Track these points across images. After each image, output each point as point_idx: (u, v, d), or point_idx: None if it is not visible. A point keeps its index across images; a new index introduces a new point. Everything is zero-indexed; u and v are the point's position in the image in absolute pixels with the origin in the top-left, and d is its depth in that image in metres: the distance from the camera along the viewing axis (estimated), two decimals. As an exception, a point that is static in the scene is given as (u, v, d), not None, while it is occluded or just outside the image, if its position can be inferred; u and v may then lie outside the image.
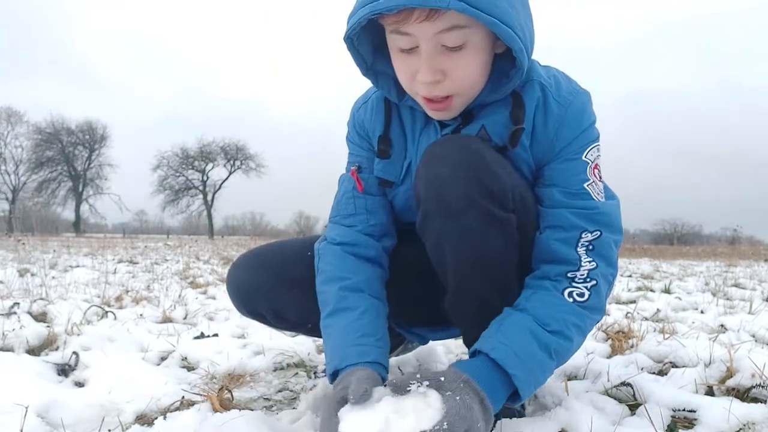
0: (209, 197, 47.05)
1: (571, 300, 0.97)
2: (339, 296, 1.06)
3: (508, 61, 1.00)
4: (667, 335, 1.94)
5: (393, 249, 1.19)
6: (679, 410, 1.16)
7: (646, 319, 2.54)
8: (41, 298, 2.67)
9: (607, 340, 1.93)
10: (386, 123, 1.15)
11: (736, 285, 4.39)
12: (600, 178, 1.05)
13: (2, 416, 1.09)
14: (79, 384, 1.41)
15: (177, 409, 1.18)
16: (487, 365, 0.89)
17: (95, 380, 1.38)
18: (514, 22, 0.89)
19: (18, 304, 2.42)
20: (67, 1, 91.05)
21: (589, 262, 0.99)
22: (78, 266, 5.44)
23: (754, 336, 2.06)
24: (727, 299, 3.44)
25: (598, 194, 1.03)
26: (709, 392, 1.30)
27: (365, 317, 1.03)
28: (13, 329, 1.84)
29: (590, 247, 1.00)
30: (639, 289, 4.16)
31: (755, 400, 1.23)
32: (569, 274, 0.99)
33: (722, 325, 2.29)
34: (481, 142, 1.00)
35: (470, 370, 0.88)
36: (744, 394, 1.26)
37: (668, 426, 1.11)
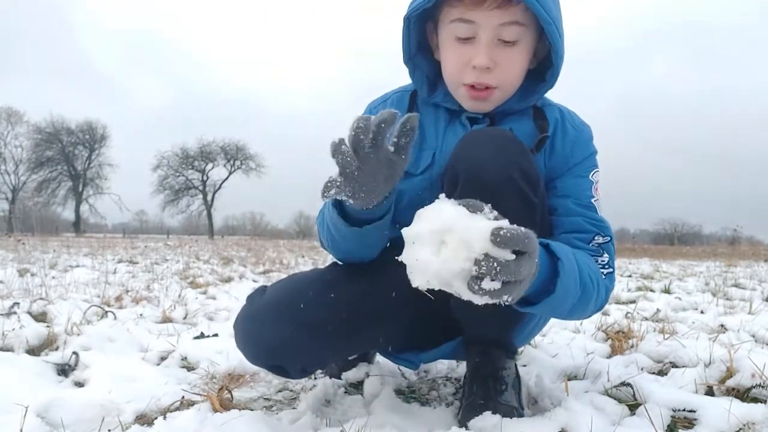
0: (209, 197, 47.05)
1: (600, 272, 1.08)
2: None
3: (534, 79, 1.14)
4: (667, 335, 1.94)
5: (383, 280, 1.12)
6: (679, 410, 1.16)
7: (646, 319, 2.54)
8: (41, 298, 2.67)
9: (607, 340, 1.93)
10: None
11: (736, 285, 4.39)
12: (600, 199, 1.18)
13: (2, 416, 1.09)
14: (79, 384, 1.41)
15: (177, 409, 1.18)
16: (542, 250, 0.90)
17: (95, 380, 1.38)
18: (561, 31, 1.06)
19: (18, 304, 2.42)
20: (65, 3, 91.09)
21: (604, 253, 1.11)
22: (78, 266, 5.43)
23: (754, 336, 2.06)
24: (727, 299, 3.44)
25: (600, 211, 1.15)
26: (709, 392, 1.30)
27: None
28: (13, 329, 1.84)
29: (603, 246, 1.11)
30: (639, 289, 4.16)
31: (755, 400, 1.23)
32: (593, 256, 1.09)
33: (722, 325, 2.30)
34: (515, 135, 1.07)
35: None
36: (744, 394, 1.26)
37: (668, 426, 1.11)
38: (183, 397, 1.25)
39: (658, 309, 2.76)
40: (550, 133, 1.16)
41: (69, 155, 44.04)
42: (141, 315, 2.40)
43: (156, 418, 1.10)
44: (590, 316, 1.11)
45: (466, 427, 1.04)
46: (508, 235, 0.73)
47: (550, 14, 1.00)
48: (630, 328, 2.06)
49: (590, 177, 1.16)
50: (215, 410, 1.13)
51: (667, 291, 3.96)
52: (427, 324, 1.20)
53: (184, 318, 2.46)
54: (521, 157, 1.00)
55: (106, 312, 2.33)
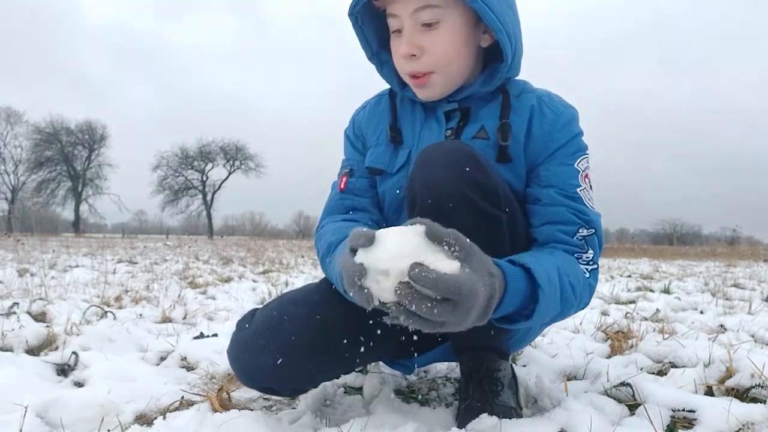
0: (209, 197, 47.02)
1: (582, 272, 1.06)
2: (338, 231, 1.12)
3: (499, 59, 1.12)
4: (666, 335, 1.94)
5: None
6: (678, 410, 1.16)
7: (646, 319, 2.54)
8: (40, 298, 2.67)
9: (606, 340, 1.93)
10: (393, 114, 1.22)
11: (736, 285, 4.39)
12: (591, 187, 1.14)
13: (2, 416, 1.09)
14: (79, 384, 1.41)
15: (176, 409, 1.18)
16: (521, 273, 0.92)
17: (94, 380, 1.38)
18: (494, 3, 1.02)
19: (17, 304, 2.42)
20: (59, 7, 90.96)
21: (588, 248, 1.08)
22: (77, 266, 5.43)
23: (753, 336, 2.06)
24: (727, 299, 3.44)
25: (588, 200, 1.11)
26: (709, 392, 1.30)
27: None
28: (13, 329, 1.84)
29: (586, 240, 1.08)
30: (638, 289, 4.16)
31: (754, 400, 1.23)
32: (575, 255, 1.07)
33: (722, 326, 2.30)
34: (470, 147, 1.03)
35: (506, 268, 0.90)
36: (743, 395, 1.26)
37: (668, 426, 1.11)
38: (182, 397, 1.25)
39: (657, 309, 2.76)
40: (526, 119, 1.13)
41: (68, 155, 44.01)
42: (140, 315, 2.40)
43: (155, 418, 1.10)
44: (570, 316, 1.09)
45: (465, 429, 1.04)
46: (423, 274, 0.75)
47: None
48: (629, 328, 2.06)
49: (576, 165, 1.12)
50: (215, 410, 1.13)
51: (666, 291, 3.96)
52: (420, 332, 1.18)
53: (184, 318, 2.46)
54: (475, 171, 0.96)
55: (106, 312, 2.33)
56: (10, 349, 1.70)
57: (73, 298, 2.90)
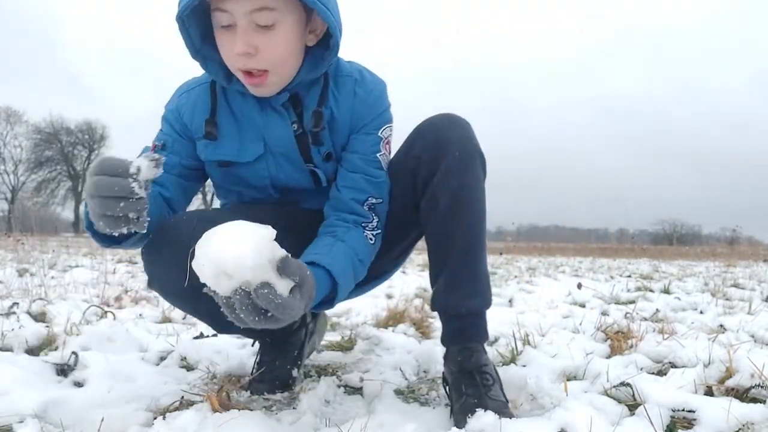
0: (208, 197, 46.99)
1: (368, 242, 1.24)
2: None
3: (320, 49, 1.19)
4: (666, 335, 1.94)
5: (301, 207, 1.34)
6: (678, 410, 1.16)
7: (646, 319, 2.54)
8: (40, 298, 2.67)
9: (606, 341, 1.93)
10: (212, 108, 1.25)
11: (735, 285, 4.39)
12: (390, 152, 1.30)
13: (1, 416, 1.09)
14: (79, 384, 1.41)
15: (176, 409, 1.18)
16: (325, 274, 1.07)
17: (94, 380, 1.38)
18: (328, 3, 1.07)
19: (17, 304, 2.41)
20: (59, 6, 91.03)
21: (374, 217, 1.25)
22: (77, 266, 5.43)
23: (753, 336, 2.06)
24: (727, 299, 3.44)
25: (386, 165, 1.28)
26: (709, 392, 1.30)
27: None
28: (12, 329, 1.84)
29: (373, 208, 1.25)
30: (638, 289, 4.16)
31: (754, 400, 1.23)
32: (363, 224, 1.23)
33: (721, 326, 2.30)
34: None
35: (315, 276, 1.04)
36: (743, 395, 1.26)
37: (667, 426, 1.11)
38: (182, 397, 1.25)
39: (657, 309, 2.76)
40: (346, 102, 1.24)
41: (68, 155, 44.00)
42: (140, 315, 2.40)
43: (155, 418, 1.10)
44: None
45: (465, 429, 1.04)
46: (270, 297, 0.83)
47: None
48: (629, 328, 2.06)
49: (379, 133, 1.26)
50: (214, 410, 1.13)
51: (666, 291, 3.96)
52: None
53: (184, 318, 2.46)
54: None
55: (106, 312, 2.33)
56: (10, 349, 1.70)
57: (73, 298, 2.89)
